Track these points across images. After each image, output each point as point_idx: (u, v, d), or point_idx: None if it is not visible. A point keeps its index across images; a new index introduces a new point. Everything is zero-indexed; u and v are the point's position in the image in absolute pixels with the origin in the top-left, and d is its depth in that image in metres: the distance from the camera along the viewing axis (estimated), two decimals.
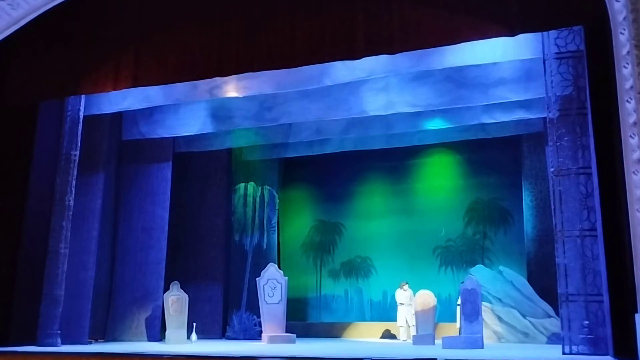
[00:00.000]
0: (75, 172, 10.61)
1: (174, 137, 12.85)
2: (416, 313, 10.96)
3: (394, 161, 14.34)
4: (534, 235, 12.32)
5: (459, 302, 10.66)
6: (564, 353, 7.69)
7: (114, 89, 9.96)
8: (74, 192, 10.58)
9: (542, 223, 12.10)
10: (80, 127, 10.77)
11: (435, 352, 8.13)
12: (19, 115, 10.22)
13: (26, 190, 10.31)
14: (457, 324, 10.70)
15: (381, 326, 13.39)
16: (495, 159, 13.56)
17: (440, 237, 13.97)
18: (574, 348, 7.68)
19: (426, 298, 10.87)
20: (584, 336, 7.65)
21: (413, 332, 11.22)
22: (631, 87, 6.39)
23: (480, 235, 13.76)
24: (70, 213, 10.50)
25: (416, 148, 13.90)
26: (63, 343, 9.84)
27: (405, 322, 11.77)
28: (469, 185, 14.05)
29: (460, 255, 13.79)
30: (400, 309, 11.98)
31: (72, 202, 10.53)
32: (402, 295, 12.05)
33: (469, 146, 13.53)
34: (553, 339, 10.48)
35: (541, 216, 12.20)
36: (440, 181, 14.38)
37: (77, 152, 10.67)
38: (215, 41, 9.13)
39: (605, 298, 7.35)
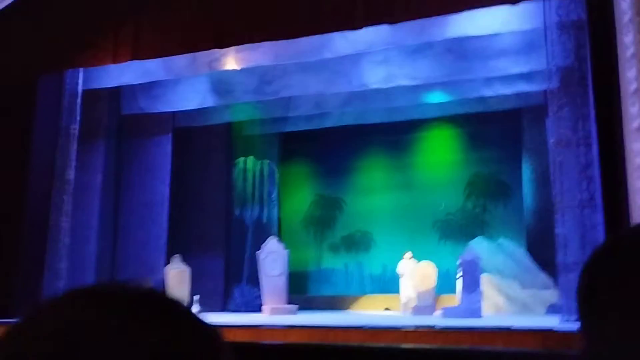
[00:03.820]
0: (75, 147, 10.63)
1: (173, 112, 12.84)
2: (416, 285, 11.04)
3: (394, 135, 14.31)
4: (534, 207, 12.36)
5: (458, 275, 10.74)
6: (562, 322, 7.76)
7: (113, 62, 9.94)
8: (74, 166, 10.62)
9: (542, 196, 12.12)
10: (79, 101, 10.75)
11: (435, 321, 8.21)
12: (17, 89, 10.19)
13: (27, 164, 10.33)
14: (458, 296, 10.78)
15: (381, 299, 13.49)
16: (496, 132, 13.53)
17: (440, 210, 14.01)
18: (572, 317, 7.73)
19: (426, 269, 10.95)
20: None
21: (413, 303, 11.31)
22: (632, 55, 6.35)
23: (480, 208, 13.80)
24: (71, 187, 10.55)
25: (416, 122, 13.88)
26: None
27: (406, 293, 11.82)
28: (469, 159, 14.05)
29: (460, 228, 13.83)
30: (402, 280, 12.02)
31: (72, 177, 10.56)
32: (405, 266, 12.05)
33: (469, 120, 13.51)
34: (551, 309, 10.55)
35: (541, 189, 12.21)
36: (441, 155, 14.38)
37: (77, 127, 10.67)
38: (214, 13, 9.08)
39: None
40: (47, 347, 0.61)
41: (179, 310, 0.68)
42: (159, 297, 0.68)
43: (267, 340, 6.47)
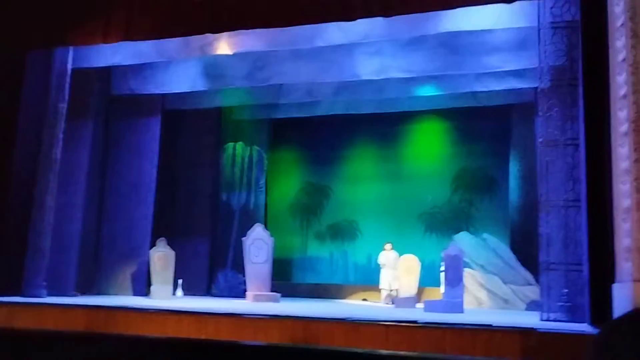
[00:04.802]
0: (63, 125, 10.52)
1: (163, 94, 12.74)
2: (399, 277, 11.13)
3: (384, 126, 14.34)
4: (519, 204, 12.46)
5: (442, 268, 10.83)
6: (541, 320, 7.87)
7: (104, 42, 9.82)
8: (61, 145, 10.52)
9: (528, 193, 12.21)
10: (68, 80, 10.64)
11: (417, 314, 8.28)
12: (5, 65, 10.06)
13: (13, 142, 10.21)
14: (441, 289, 10.88)
15: (365, 289, 13.57)
16: (485, 127, 13.60)
17: (426, 203, 14.09)
18: (552, 315, 7.85)
19: (410, 262, 11.04)
20: (562, 304, 7.82)
21: (394, 295, 11.41)
22: (623, 60, 6.36)
23: (466, 202, 13.89)
24: (57, 166, 10.45)
25: (407, 114, 13.91)
26: (49, 295, 9.91)
27: (387, 285, 11.90)
28: (457, 152, 14.13)
29: (445, 221, 13.93)
30: (383, 271, 12.10)
31: (59, 156, 10.47)
32: (386, 257, 12.13)
33: (460, 114, 13.56)
34: (532, 306, 10.69)
35: (527, 186, 12.31)
36: (429, 148, 14.44)
37: (65, 105, 10.56)
38: None
39: (585, 267, 7.49)
40: None
41: None
42: None
43: (250, 329, 6.52)
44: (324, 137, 14.84)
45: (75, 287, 11.02)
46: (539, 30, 8.39)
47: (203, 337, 6.26)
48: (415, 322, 6.55)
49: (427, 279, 12.51)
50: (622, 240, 6.19)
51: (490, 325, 6.47)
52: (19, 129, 10.26)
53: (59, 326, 7.81)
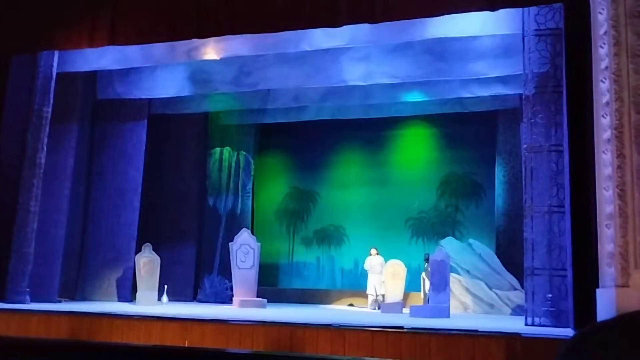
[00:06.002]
0: (47, 130, 10.44)
1: (149, 99, 12.69)
2: (386, 282, 11.15)
3: (370, 132, 14.39)
4: (504, 209, 12.54)
5: (423, 274, 10.89)
6: (526, 324, 7.92)
7: (89, 46, 9.76)
8: (45, 149, 10.43)
9: (513, 198, 12.31)
10: (53, 84, 10.56)
11: (403, 320, 8.29)
12: None
13: None
14: (422, 294, 10.94)
15: (351, 294, 13.58)
16: (471, 133, 13.69)
17: (412, 208, 14.14)
18: (536, 320, 7.91)
19: (396, 267, 11.06)
20: (547, 309, 7.88)
21: (381, 300, 11.42)
22: (606, 68, 6.44)
23: (452, 208, 13.95)
24: (41, 171, 10.36)
25: (393, 119, 13.97)
26: (32, 301, 9.80)
27: (374, 290, 11.92)
28: (443, 158, 14.19)
29: (431, 227, 13.98)
30: (369, 276, 12.12)
31: (43, 160, 10.38)
32: (372, 262, 12.15)
33: (446, 120, 13.64)
34: (517, 310, 10.76)
35: (512, 191, 12.40)
36: (416, 153, 14.50)
37: (50, 109, 10.48)
38: (194, 2, 8.98)
39: (569, 273, 7.55)
40: None
41: None
42: None
43: (236, 335, 6.48)
44: (311, 142, 14.85)
45: (59, 293, 10.91)
46: (523, 37, 8.48)
47: (188, 344, 6.22)
48: (401, 327, 6.56)
49: (414, 284, 12.55)
50: (606, 245, 6.25)
51: (475, 331, 6.50)
52: (2, 133, 10.14)
53: (42, 333, 7.73)
